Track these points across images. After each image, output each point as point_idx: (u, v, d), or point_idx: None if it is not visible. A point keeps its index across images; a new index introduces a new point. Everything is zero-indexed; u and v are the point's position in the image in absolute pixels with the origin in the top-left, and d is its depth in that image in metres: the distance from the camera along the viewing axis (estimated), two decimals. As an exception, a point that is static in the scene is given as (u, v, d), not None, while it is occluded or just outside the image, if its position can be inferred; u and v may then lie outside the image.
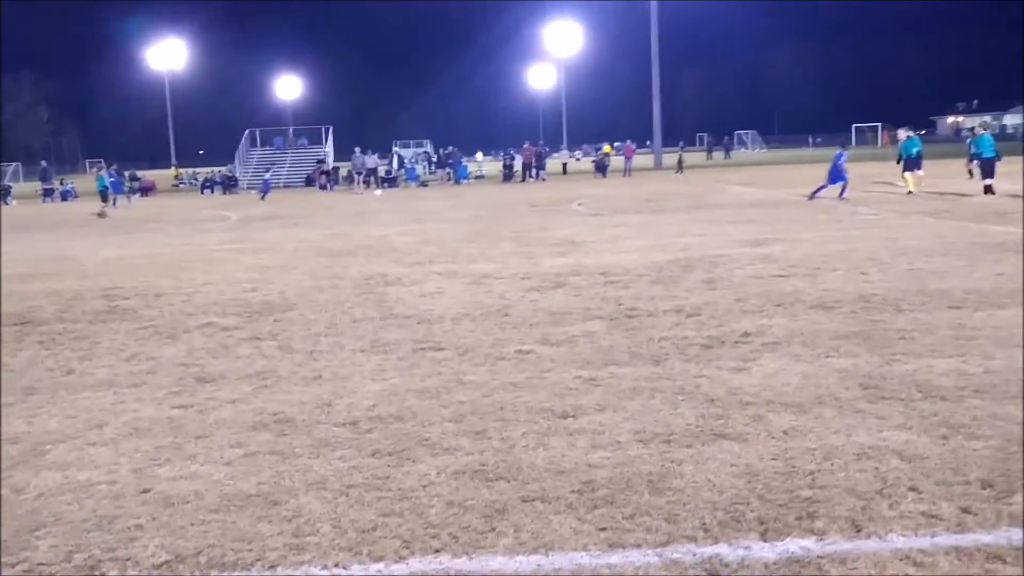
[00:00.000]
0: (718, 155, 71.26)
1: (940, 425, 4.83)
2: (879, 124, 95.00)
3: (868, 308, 8.07)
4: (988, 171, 21.64)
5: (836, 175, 21.91)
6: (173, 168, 60.01)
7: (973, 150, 23.98)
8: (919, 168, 22.90)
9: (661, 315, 8.14)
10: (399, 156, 55.66)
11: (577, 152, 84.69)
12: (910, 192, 22.15)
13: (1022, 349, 6.35)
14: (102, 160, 55.70)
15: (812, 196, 21.84)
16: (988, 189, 20.93)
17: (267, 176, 39.18)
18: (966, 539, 3.52)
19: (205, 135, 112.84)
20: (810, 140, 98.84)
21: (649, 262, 11.68)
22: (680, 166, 45.46)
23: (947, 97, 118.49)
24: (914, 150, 22.86)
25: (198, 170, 59.21)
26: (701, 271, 10.71)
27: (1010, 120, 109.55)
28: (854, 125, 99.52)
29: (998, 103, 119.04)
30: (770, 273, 10.33)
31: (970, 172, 25.23)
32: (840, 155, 22.36)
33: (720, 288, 9.47)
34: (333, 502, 4.10)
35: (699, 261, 11.56)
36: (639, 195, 27.52)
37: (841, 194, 21.47)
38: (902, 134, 23.90)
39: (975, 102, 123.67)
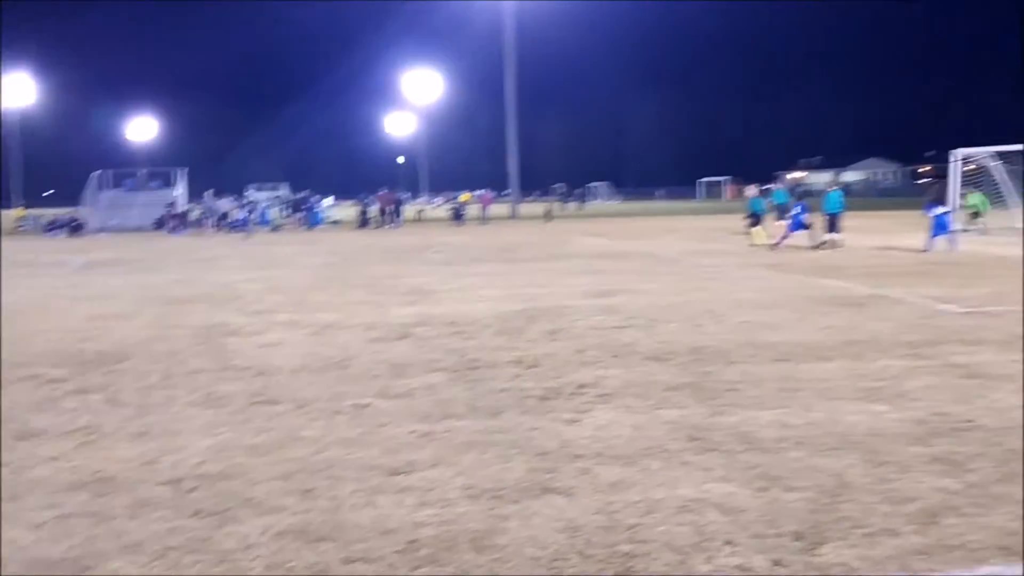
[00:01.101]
0: (571, 205, 73.04)
1: (759, 477, 5.00)
2: (725, 178, 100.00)
3: (700, 360, 8.36)
4: (832, 226, 22.95)
5: (797, 224, 22.84)
6: (18, 209, 56.58)
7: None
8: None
9: (503, 366, 8.23)
10: (253, 200, 54.48)
11: (436, 199, 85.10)
12: (753, 244, 23.36)
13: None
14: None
15: (776, 246, 22.53)
16: (823, 245, 22.21)
17: (242, 216, 39.47)
18: (772, 590, 3.67)
19: (56, 176, 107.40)
20: (655, 193, 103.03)
21: (496, 312, 11.80)
22: (548, 215, 47.12)
23: (791, 153, 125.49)
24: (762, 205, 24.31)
25: (44, 211, 55.95)
26: (545, 322, 10.90)
27: (851, 176, 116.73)
28: (700, 180, 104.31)
29: (840, 159, 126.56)
30: (611, 324, 10.61)
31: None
32: (799, 206, 23.52)
33: (562, 339, 9.67)
34: (147, 566, 3.95)
35: (544, 312, 11.75)
36: (494, 244, 27.86)
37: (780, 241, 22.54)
38: (751, 191, 25.73)
39: (818, 158, 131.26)
